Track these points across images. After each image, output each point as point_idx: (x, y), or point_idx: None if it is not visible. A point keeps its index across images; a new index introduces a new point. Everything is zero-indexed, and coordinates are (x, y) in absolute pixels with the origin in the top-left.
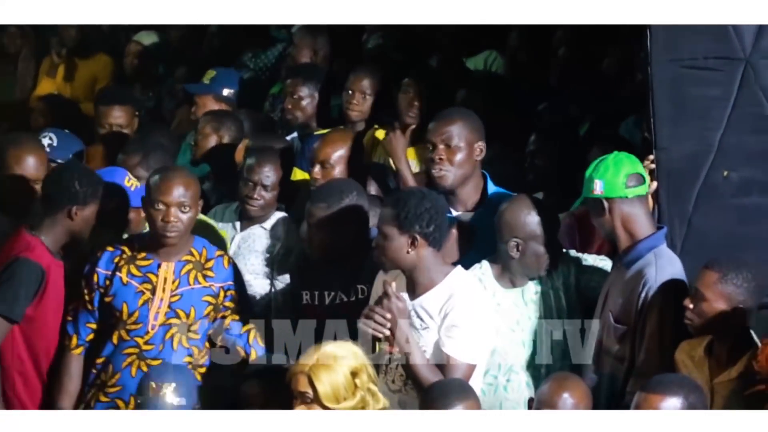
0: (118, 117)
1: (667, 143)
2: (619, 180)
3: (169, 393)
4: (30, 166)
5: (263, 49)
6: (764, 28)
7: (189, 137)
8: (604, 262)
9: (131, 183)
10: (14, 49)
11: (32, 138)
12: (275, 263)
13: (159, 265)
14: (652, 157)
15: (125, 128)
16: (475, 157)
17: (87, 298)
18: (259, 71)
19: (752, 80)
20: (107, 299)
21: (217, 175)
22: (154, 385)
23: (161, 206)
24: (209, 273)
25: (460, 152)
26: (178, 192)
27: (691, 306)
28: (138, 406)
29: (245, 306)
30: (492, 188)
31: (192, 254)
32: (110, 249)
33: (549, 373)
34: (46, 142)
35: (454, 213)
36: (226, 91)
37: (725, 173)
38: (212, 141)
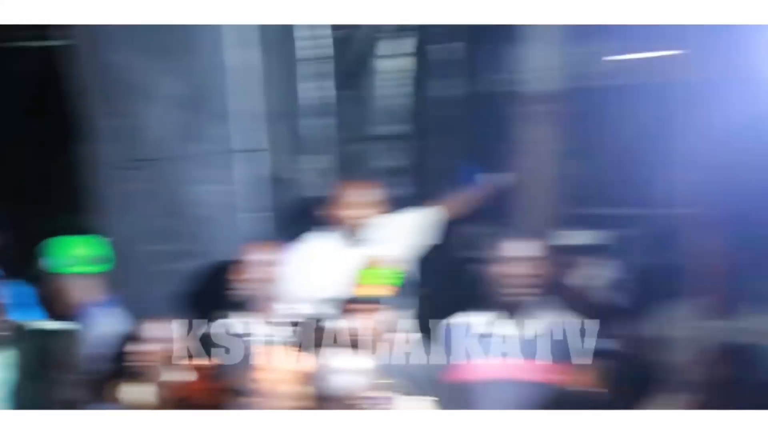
0: None
1: (117, 229)
2: (61, 261)
3: None
4: None
5: None
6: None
7: None
8: (66, 325)
9: None
10: None
11: None
12: None
13: None
14: None
15: None
16: None
17: None
18: None
19: (167, 174)
20: None
21: None
22: None
23: None
24: None
25: None
26: None
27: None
28: None
29: None
30: None
31: None
32: None
33: None
34: None
35: None
36: None
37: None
38: None
